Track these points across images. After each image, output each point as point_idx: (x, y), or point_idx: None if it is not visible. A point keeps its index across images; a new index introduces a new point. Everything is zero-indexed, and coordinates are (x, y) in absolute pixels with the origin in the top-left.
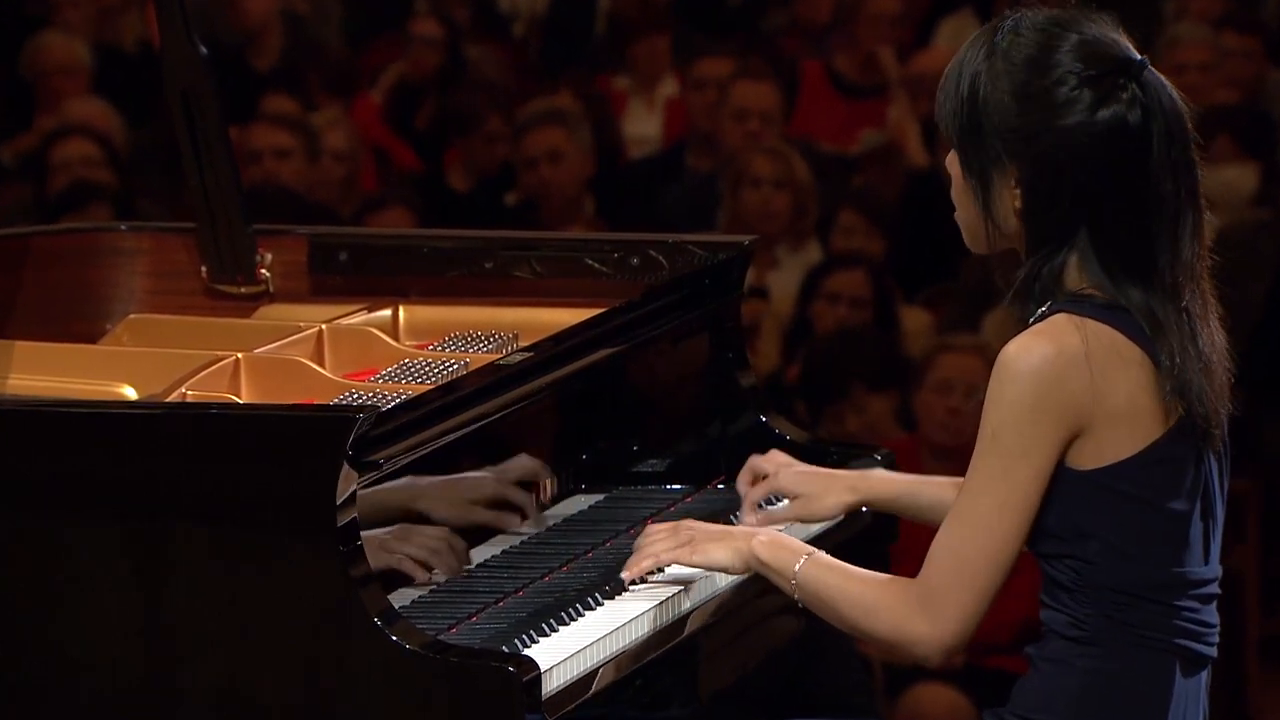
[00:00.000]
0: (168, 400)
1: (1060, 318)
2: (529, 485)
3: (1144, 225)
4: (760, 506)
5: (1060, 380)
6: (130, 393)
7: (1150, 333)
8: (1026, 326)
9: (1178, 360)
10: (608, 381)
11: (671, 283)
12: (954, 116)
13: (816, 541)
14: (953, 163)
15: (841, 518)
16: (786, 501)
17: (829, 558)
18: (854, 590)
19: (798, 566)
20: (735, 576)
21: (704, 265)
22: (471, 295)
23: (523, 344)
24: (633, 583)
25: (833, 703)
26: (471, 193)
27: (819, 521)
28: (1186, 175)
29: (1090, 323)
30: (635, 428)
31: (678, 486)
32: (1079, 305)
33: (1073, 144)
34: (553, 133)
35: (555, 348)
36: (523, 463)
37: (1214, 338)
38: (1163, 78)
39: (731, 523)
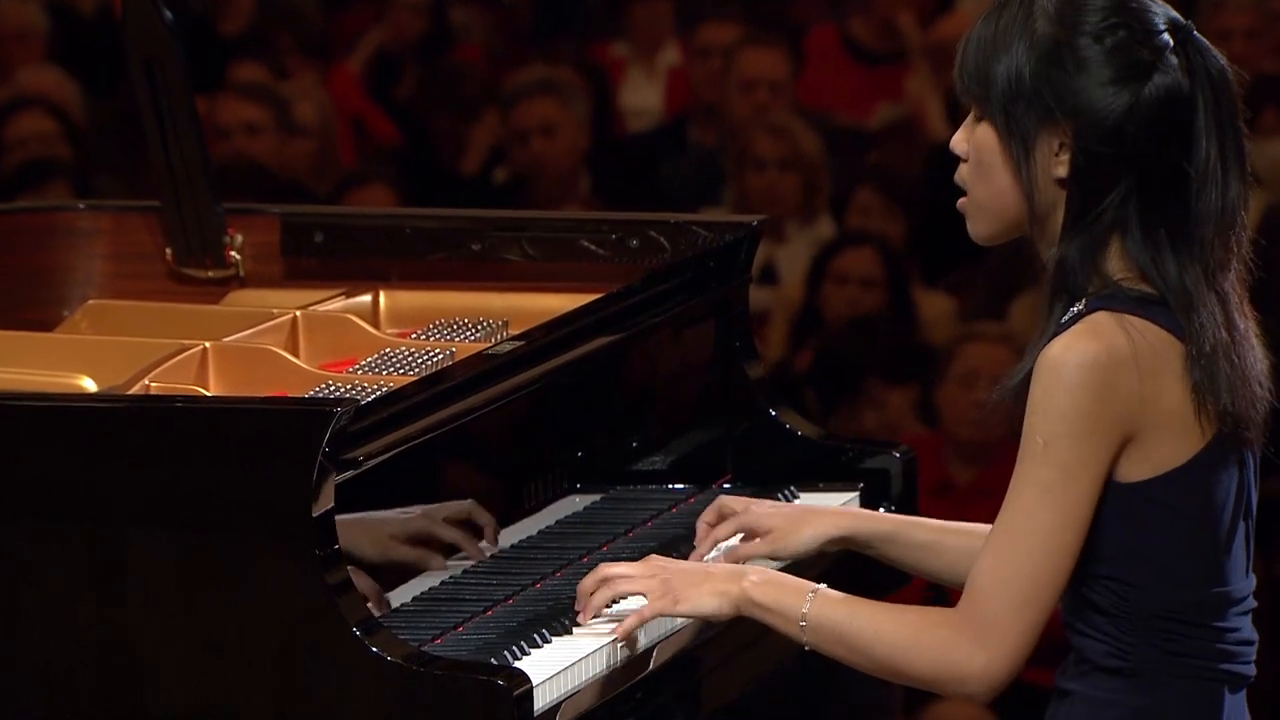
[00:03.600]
0: (129, 393)
1: (1100, 315)
2: (465, 524)
3: (1186, 193)
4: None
5: (1113, 384)
6: (89, 384)
7: (1183, 317)
8: (1053, 316)
9: (1207, 348)
10: (605, 373)
11: (673, 266)
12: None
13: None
14: (973, 136)
15: (813, 554)
16: (757, 540)
17: (837, 592)
18: (887, 626)
19: (806, 607)
20: None
21: (709, 247)
22: (458, 279)
23: (513, 332)
24: (595, 617)
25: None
26: (458, 169)
27: (789, 559)
28: (1233, 141)
29: (1132, 319)
30: (634, 423)
31: (680, 486)
32: (1116, 300)
33: (1125, 109)
34: (545, 104)
35: (548, 336)
36: (457, 505)
37: (1248, 329)
38: (1208, 43)
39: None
